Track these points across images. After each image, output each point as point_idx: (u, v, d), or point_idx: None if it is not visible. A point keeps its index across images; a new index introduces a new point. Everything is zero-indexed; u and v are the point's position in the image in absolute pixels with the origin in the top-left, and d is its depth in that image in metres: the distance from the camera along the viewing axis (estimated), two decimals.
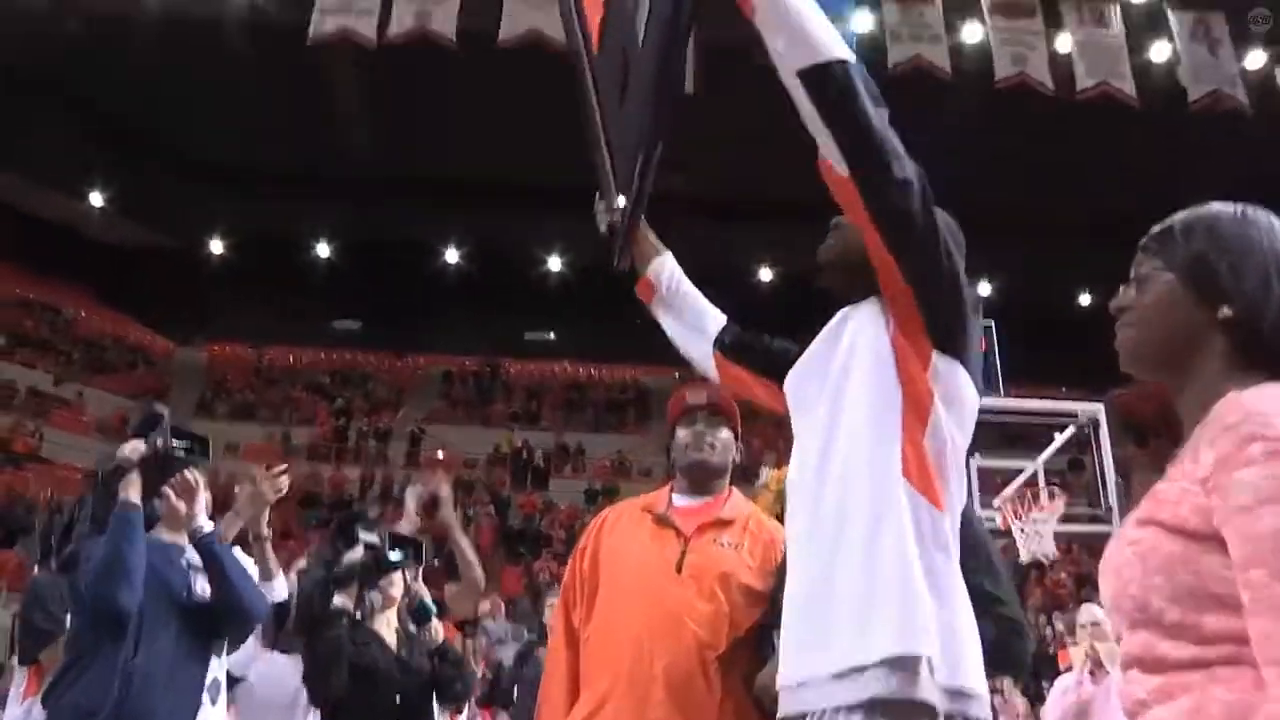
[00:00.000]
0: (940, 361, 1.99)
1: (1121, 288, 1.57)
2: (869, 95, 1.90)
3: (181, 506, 3.37)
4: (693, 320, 2.56)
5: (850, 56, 1.91)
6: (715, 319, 2.56)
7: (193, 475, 3.41)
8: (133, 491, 3.24)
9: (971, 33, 17.46)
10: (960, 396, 2.02)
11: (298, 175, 26.75)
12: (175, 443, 3.35)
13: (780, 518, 2.41)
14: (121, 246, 29.70)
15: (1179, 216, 1.54)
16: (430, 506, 4.62)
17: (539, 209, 26.01)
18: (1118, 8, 16.49)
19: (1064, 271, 27.60)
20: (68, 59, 21.84)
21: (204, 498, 3.43)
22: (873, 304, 2.07)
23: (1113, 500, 8.47)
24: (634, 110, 2.08)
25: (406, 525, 4.43)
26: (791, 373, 2.25)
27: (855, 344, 2.06)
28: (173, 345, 30.47)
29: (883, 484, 1.93)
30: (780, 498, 2.48)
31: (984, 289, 28.01)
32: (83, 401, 25.45)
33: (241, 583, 3.40)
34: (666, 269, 2.61)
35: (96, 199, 28.21)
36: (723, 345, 2.50)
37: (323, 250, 30.39)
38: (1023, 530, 8.98)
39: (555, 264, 30.09)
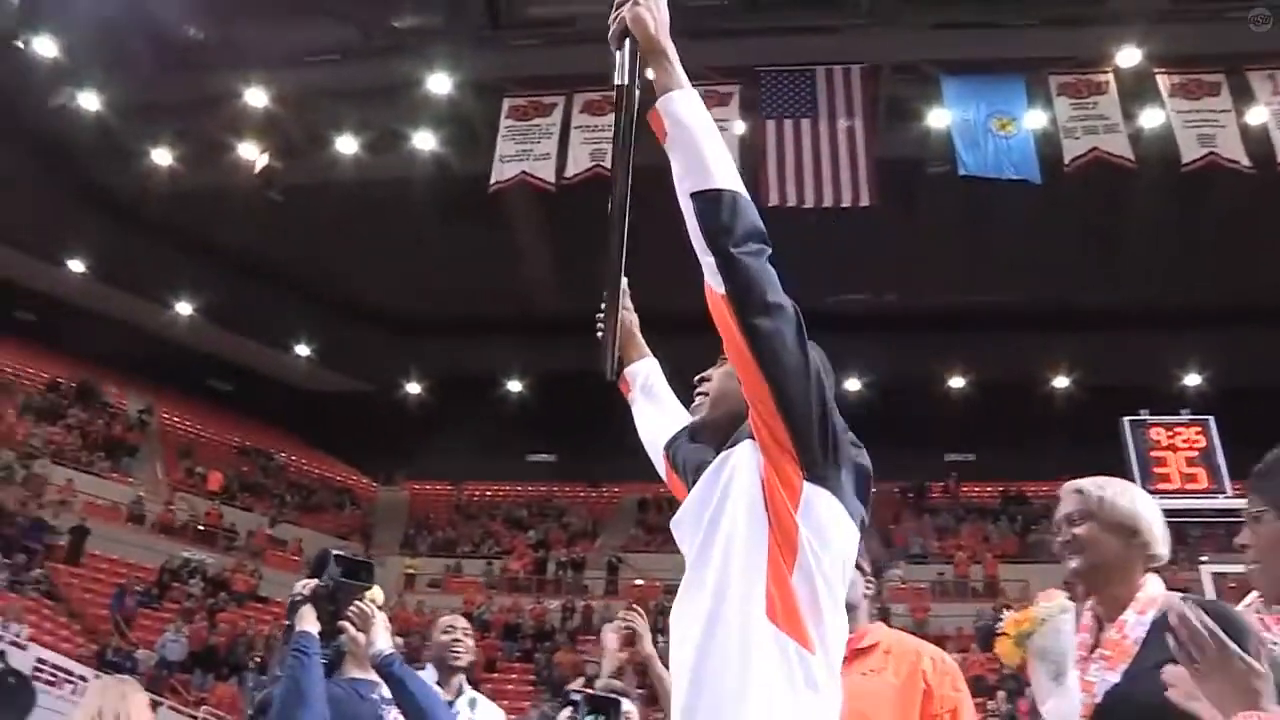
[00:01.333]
0: (811, 492, 1.96)
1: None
2: (751, 225, 2.02)
3: (361, 637, 3.36)
4: (658, 420, 2.65)
5: (741, 189, 2.04)
6: (676, 424, 2.60)
7: (368, 604, 3.40)
8: (305, 622, 3.26)
9: (1151, 118, 16.93)
10: (834, 528, 1.98)
11: (487, 316, 27.91)
12: (339, 571, 3.40)
13: (1022, 665, 2.43)
14: (325, 394, 31.54)
15: (1275, 450, 1.61)
16: (628, 641, 4.57)
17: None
18: None
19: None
20: (270, 228, 23.60)
21: (381, 620, 3.41)
22: (747, 444, 2.06)
23: None
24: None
25: (609, 664, 4.38)
26: (676, 516, 2.24)
27: (729, 484, 2.06)
28: (376, 485, 31.85)
29: (747, 627, 1.91)
30: (1021, 642, 2.43)
31: (1193, 380, 26.52)
32: (294, 541, 26.67)
33: (429, 702, 3.33)
34: (645, 368, 2.81)
35: (302, 350, 30.27)
36: (670, 451, 2.55)
37: (514, 387, 31.45)
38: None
39: None
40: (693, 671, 1.94)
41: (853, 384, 27.58)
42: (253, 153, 21.91)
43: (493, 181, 16.30)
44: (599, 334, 2.59)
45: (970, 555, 25.36)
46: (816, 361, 2.04)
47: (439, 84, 19.07)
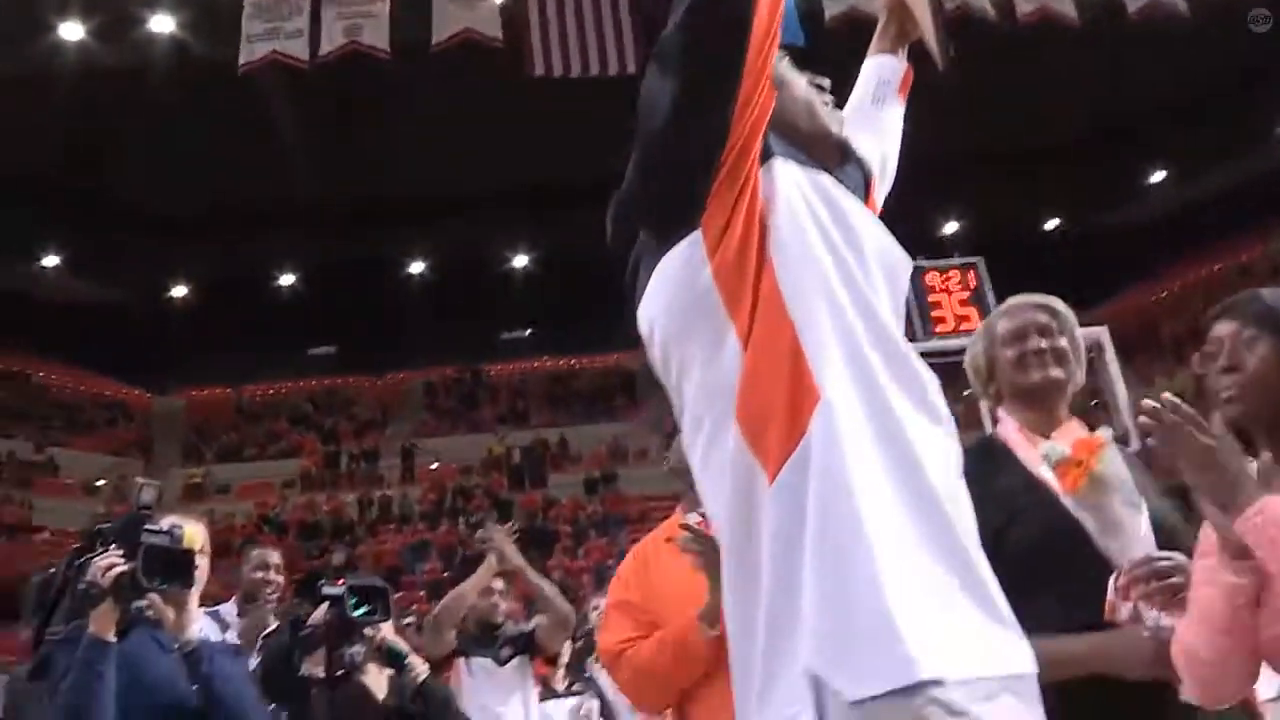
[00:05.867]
0: None
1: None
2: None
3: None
4: None
5: None
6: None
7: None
8: (101, 625, 2.65)
9: None
10: None
11: (252, 211, 26.50)
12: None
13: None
14: (81, 305, 29.29)
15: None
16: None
17: (498, 210, 25.95)
18: None
19: (1026, 199, 27.60)
20: None
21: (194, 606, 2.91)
22: None
23: (1128, 422, 7.74)
24: None
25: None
26: None
27: None
28: (150, 397, 30.18)
29: None
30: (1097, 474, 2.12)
31: (952, 227, 28.04)
32: (66, 465, 25.17)
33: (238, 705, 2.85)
34: None
35: (50, 260, 27.90)
36: None
37: (287, 281, 30.17)
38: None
39: (521, 261, 29.99)
40: None
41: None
42: None
43: (241, 63, 15.22)
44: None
45: None
46: None
47: None
